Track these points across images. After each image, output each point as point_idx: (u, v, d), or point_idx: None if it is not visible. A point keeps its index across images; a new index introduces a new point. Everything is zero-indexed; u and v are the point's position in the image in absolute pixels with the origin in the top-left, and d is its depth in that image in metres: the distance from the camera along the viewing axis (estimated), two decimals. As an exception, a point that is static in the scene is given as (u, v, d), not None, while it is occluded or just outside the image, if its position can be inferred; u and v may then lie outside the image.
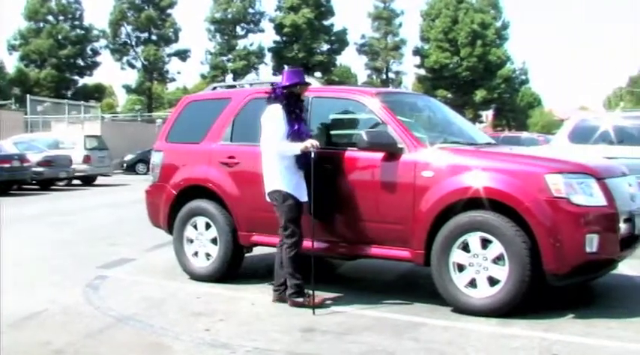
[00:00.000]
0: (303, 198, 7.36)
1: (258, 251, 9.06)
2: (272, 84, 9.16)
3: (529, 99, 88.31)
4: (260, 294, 7.89)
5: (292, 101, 7.45)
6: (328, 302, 7.42)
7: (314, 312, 6.98)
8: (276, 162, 7.36)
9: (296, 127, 7.36)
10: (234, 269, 8.58)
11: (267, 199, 7.52)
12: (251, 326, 6.61)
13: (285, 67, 8.14)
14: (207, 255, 8.61)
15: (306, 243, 7.58)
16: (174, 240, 8.92)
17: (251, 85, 9.61)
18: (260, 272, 9.07)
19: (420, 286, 8.16)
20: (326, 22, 70.96)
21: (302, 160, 7.32)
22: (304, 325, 6.59)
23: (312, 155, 7.23)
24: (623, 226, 6.83)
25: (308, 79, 7.94)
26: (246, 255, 8.76)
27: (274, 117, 7.38)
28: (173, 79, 74.05)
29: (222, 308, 7.32)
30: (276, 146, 7.33)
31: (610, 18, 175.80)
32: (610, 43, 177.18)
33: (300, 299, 7.23)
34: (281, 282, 7.49)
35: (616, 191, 6.90)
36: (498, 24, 72.95)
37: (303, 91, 7.63)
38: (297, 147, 7.23)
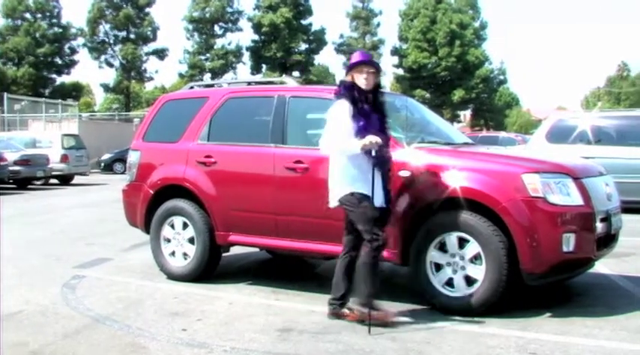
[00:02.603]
0: (378, 201, 6.57)
1: (235, 250, 9.05)
2: (249, 83, 9.20)
3: (507, 99, 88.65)
4: (237, 294, 7.87)
5: (360, 93, 6.60)
6: (395, 319, 6.63)
7: (370, 331, 6.27)
8: (346, 163, 6.54)
9: (361, 123, 6.48)
10: (211, 269, 8.55)
11: (334, 205, 6.71)
12: (228, 326, 6.59)
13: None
14: (185, 255, 8.57)
15: (280, 243, 7.66)
16: (152, 240, 8.87)
17: (229, 84, 9.58)
18: (237, 272, 9.07)
19: (397, 285, 8.15)
20: (304, 22, 70.93)
21: (375, 159, 6.52)
22: (281, 325, 6.58)
23: (373, 153, 6.46)
24: (599, 225, 6.87)
25: (285, 78, 7.91)
26: (224, 254, 8.72)
27: (335, 113, 6.58)
28: (151, 78, 73.65)
29: (199, 308, 7.28)
30: (334, 145, 6.56)
31: (588, 18, 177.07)
32: (588, 43, 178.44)
33: (366, 311, 6.41)
34: (339, 295, 6.77)
35: (593, 190, 6.93)
36: (477, 24, 73.22)
37: (371, 78, 6.67)
38: (357, 146, 6.40)
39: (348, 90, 6.62)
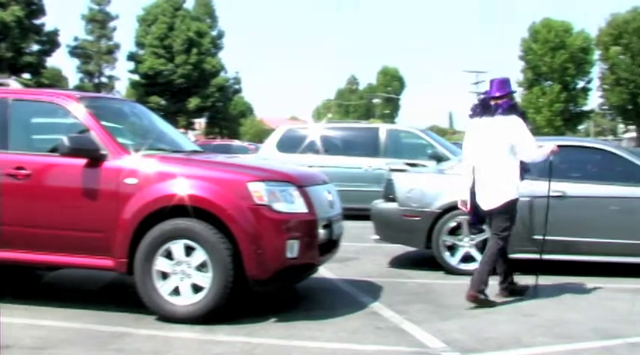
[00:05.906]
0: None
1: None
2: None
3: (242, 108, 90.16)
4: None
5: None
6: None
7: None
8: (516, 171, 7.71)
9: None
10: None
11: (499, 207, 7.68)
12: (-62, 347, 6.17)
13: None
14: None
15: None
16: None
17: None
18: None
19: (124, 295, 8.00)
20: (37, 22, 68.13)
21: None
22: (1, 342, 6.23)
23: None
24: (322, 232, 7.15)
25: (9, 80, 7.56)
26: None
27: (523, 125, 7.67)
28: None
29: None
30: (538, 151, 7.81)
31: (321, 33, 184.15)
32: (321, 58, 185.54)
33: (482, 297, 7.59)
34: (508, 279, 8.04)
35: (316, 198, 7.20)
36: (214, 33, 73.83)
37: None
38: (546, 152, 7.91)
39: (518, 108, 7.89)
